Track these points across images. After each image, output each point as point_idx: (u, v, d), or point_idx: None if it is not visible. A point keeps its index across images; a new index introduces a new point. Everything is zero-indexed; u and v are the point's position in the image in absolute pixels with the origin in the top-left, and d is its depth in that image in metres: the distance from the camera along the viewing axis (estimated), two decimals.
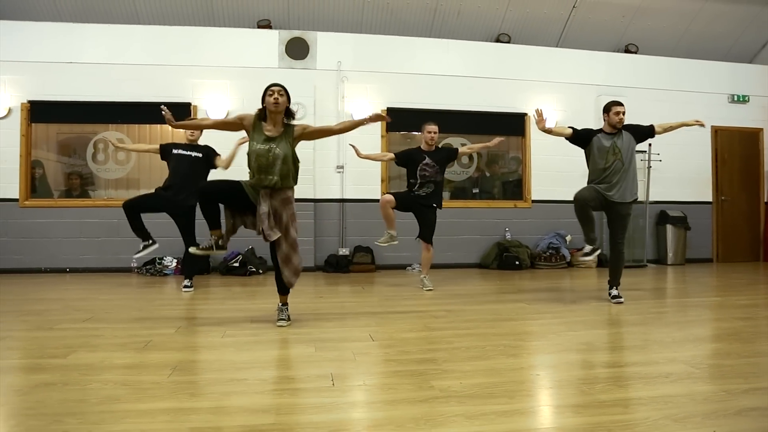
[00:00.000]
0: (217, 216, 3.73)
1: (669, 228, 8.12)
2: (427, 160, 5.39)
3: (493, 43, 8.25)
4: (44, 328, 3.62)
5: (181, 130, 5.37)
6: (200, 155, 5.31)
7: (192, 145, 5.38)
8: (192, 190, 5.16)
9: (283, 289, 3.79)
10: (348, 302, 4.87)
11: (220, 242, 3.76)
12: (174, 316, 4.16)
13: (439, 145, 5.95)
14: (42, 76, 7.03)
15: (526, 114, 8.00)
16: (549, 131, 4.84)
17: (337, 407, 2.18)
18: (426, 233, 5.44)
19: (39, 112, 7.06)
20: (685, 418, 2.02)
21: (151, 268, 6.69)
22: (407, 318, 4.10)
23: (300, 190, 7.10)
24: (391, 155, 5.63)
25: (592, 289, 5.48)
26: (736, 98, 8.67)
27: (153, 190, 5.34)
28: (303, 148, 7.21)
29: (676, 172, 8.29)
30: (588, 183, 4.82)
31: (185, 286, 5.31)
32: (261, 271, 6.82)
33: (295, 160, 3.70)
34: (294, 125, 3.73)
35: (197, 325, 3.76)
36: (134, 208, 5.10)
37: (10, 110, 6.99)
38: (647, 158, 7.89)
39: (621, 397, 2.27)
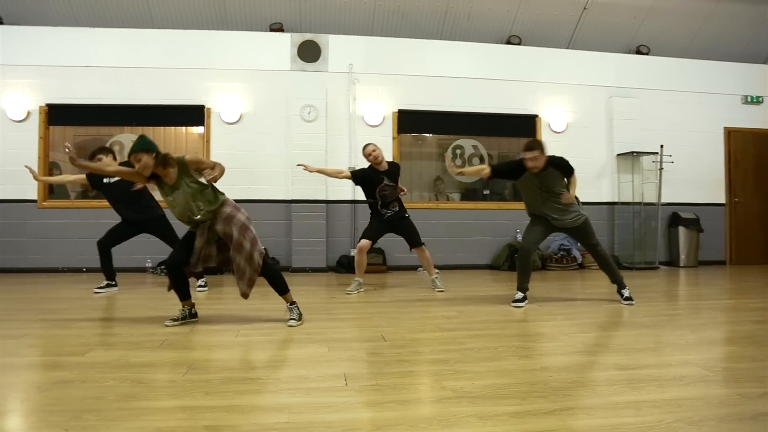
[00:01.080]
0: (186, 288, 3.83)
1: (681, 230, 8.06)
2: (386, 181, 5.28)
3: (503, 44, 8.25)
4: (62, 327, 3.68)
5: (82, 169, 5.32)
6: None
7: None
8: (144, 203, 5.30)
9: (281, 290, 3.82)
10: (360, 303, 4.89)
11: (192, 310, 3.87)
12: None
13: (390, 160, 5.77)
14: (59, 79, 7.14)
15: (536, 116, 8.00)
16: (462, 173, 4.93)
17: (350, 407, 2.20)
18: (414, 239, 5.43)
19: (56, 115, 7.18)
20: (699, 422, 2.01)
21: (165, 269, 6.75)
22: (419, 318, 4.12)
23: (312, 192, 7.28)
24: (347, 173, 5.42)
25: (603, 291, 5.46)
26: (749, 99, 8.59)
27: (120, 220, 5.45)
28: (315, 150, 7.33)
29: (689, 174, 8.24)
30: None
31: (200, 286, 5.38)
32: None
33: (203, 187, 3.60)
34: (186, 163, 3.55)
35: (211, 324, 3.80)
36: (108, 244, 5.35)
37: (29, 113, 7.11)
38: (659, 160, 7.84)
39: (634, 399, 2.26)
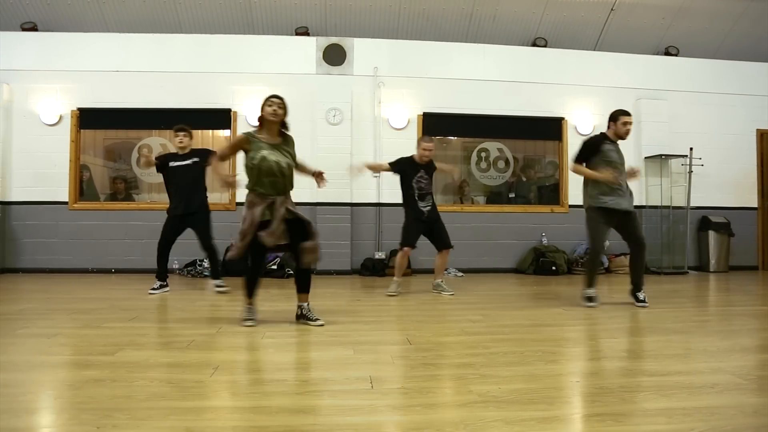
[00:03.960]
0: (256, 288, 3.97)
1: (711, 234, 7.89)
2: (422, 173, 5.48)
3: (529, 47, 8.19)
4: (93, 327, 3.76)
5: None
6: (197, 159, 5.46)
7: (186, 154, 5.49)
8: (196, 192, 5.41)
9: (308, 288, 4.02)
10: (385, 305, 4.89)
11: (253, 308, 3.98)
12: (215, 316, 4.27)
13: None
14: (90, 84, 7.31)
15: (563, 118, 7.92)
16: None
17: (375, 410, 2.20)
18: (445, 240, 5.49)
19: (87, 118, 7.35)
20: (733, 431, 1.97)
21: (192, 270, 6.86)
22: (444, 322, 4.11)
23: (337, 194, 7.31)
24: (386, 165, 5.63)
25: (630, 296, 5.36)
26: None
27: (167, 215, 5.50)
28: (340, 153, 7.36)
29: (719, 177, 8.07)
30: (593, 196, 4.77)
31: (218, 286, 5.48)
32: None
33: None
34: (292, 139, 4.06)
35: (237, 326, 3.84)
36: (168, 245, 5.44)
37: (61, 117, 7.29)
38: (689, 163, 7.69)
39: (664, 406, 2.22)
